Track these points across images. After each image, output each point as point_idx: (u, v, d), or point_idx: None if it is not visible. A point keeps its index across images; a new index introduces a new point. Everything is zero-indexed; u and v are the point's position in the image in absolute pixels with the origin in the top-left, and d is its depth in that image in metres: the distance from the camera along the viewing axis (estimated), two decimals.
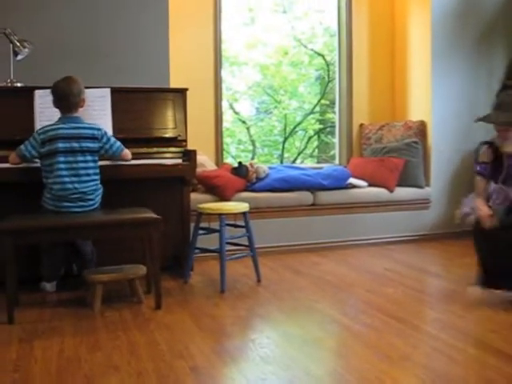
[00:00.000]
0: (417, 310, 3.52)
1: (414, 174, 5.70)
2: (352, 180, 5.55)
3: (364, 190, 5.55)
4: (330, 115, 6.83)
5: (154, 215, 3.54)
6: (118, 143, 3.77)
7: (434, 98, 5.79)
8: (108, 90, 4.05)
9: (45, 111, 3.85)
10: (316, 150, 7.26)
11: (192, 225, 4.19)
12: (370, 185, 5.62)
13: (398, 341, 2.93)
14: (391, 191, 5.58)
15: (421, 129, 5.87)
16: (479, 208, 3.34)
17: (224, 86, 6.01)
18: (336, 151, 6.49)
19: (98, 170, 3.70)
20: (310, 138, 7.13)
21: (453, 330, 3.08)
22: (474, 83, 5.94)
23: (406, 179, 5.67)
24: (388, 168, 5.64)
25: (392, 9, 6.36)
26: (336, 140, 6.49)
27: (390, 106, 6.40)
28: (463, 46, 5.89)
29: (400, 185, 5.65)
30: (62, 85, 3.62)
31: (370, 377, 2.50)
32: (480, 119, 3.53)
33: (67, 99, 3.62)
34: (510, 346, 2.83)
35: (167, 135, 4.30)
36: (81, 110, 3.71)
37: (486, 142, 3.49)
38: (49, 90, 3.71)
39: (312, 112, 6.95)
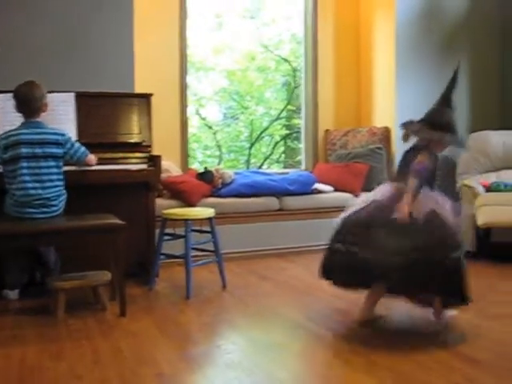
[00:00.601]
0: (382, 315, 3.55)
1: (378, 179, 5.75)
2: (317, 185, 5.59)
3: (329, 195, 5.59)
4: (296, 121, 6.88)
5: (118, 221, 3.50)
6: (83, 148, 3.73)
7: (398, 105, 5.87)
8: (72, 95, 4.02)
9: (6, 116, 3.80)
10: (282, 156, 7.30)
11: (157, 231, 4.16)
12: (336, 190, 5.67)
13: (363, 345, 2.95)
14: (356, 196, 5.61)
15: (385, 135, 5.94)
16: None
17: (190, 91, 6.00)
18: (302, 157, 6.53)
19: (61, 176, 3.65)
20: (276, 143, 7.17)
21: (419, 334, 3.12)
22: (438, 90, 5.91)
23: (370, 184, 5.71)
24: (353, 173, 5.70)
25: (357, 17, 6.43)
26: (302, 145, 6.53)
27: (354, 112, 6.47)
28: (427, 54, 5.99)
29: (365, 190, 5.68)
30: (24, 89, 3.57)
31: (333, 381, 2.51)
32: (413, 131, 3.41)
33: (29, 104, 3.57)
34: (475, 350, 2.87)
35: (132, 140, 4.27)
36: (43, 114, 3.66)
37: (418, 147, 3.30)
38: (10, 95, 3.65)
39: (278, 118, 6.99)
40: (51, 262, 3.81)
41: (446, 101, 3.47)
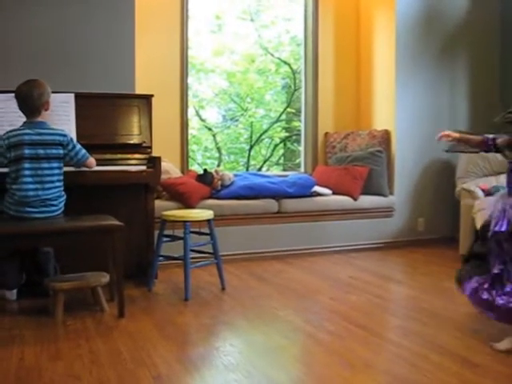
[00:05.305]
0: (380, 318, 3.56)
1: (378, 182, 5.76)
2: (317, 188, 5.58)
3: (328, 198, 5.58)
4: (295, 123, 6.88)
5: (117, 222, 3.50)
6: (84, 151, 3.71)
7: (397, 108, 5.87)
8: (72, 96, 4.01)
9: (6, 116, 3.79)
10: (282, 158, 7.30)
11: (156, 232, 4.16)
12: (335, 193, 5.66)
13: (361, 348, 2.95)
14: (355, 199, 5.62)
15: (385, 138, 5.94)
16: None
17: (190, 92, 6.00)
18: (301, 159, 6.53)
19: (62, 177, 3.63)
20: (275, 145, 7.17)
21: (416, 337, 3.12)
22: (437, 94, 6.05)
23: (369, 187, 5.73)
24: (352, 176, 5.69)
25: (357, 20, 6.44)
26: (301, 148, 6.53)
27: (354, 115, 6.47)
28: (426, 58, 5.99)
29: (364, 193, 5.70)
30: (23, 88, 3.55)
31: (332, 383, 2.51)
32: None
33: (27, 103, 3.54)
34: (472, 353, 2.87)
35: (132, 142, 4.27)
36: (46, 113, 3.64)
37: None
38: (10, 95, 3.65)
39: (278, 120, 6.99)
40: (50, 273, 3.79)
41: None
